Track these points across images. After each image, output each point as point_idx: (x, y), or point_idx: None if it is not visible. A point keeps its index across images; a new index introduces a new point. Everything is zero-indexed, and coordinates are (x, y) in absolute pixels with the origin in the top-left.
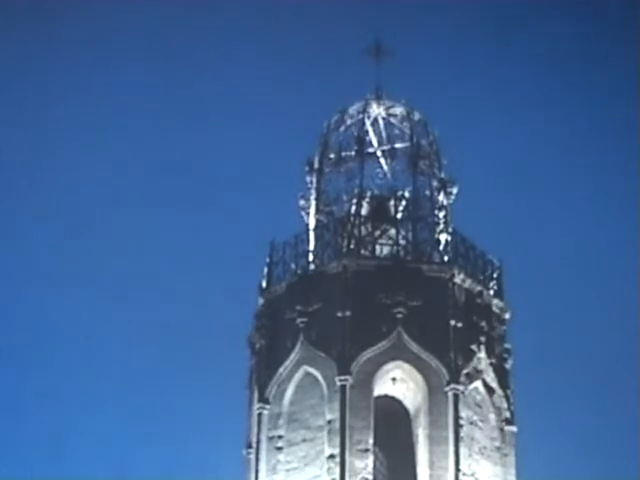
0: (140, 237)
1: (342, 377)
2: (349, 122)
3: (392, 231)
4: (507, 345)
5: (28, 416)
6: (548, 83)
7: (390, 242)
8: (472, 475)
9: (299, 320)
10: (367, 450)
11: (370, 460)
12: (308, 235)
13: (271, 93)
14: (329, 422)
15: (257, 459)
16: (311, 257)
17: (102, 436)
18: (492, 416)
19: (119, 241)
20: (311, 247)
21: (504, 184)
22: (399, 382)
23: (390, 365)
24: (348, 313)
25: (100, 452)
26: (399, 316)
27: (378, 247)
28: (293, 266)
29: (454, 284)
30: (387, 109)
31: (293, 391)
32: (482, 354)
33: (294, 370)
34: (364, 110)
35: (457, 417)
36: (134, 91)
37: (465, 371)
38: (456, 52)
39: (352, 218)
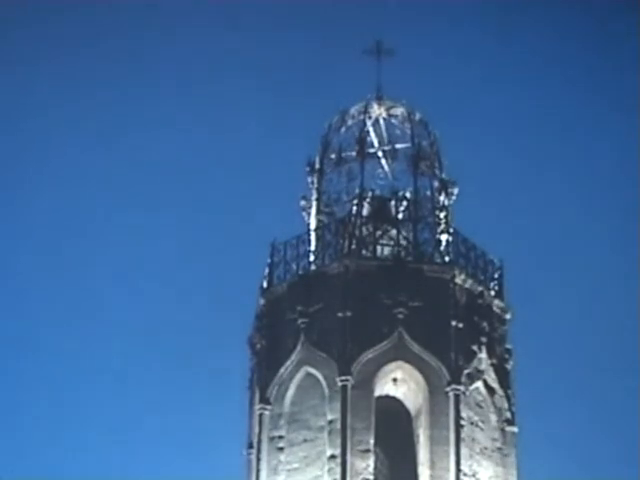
0: (140, 237)
1: (343, 377)
2: (350, 122)
3: (393, 231)
4: (508, 346)
5: (28, 417)
6: (549, 83)
7: (391, 242)
8: (473, 475)
9: (300, 320)
10: (368, 450)
11: (371, 460)
12: (309, 235)
13: (272, 93)
14: (330, 422)
15: (258, 459)
16: (312, 257)
17: (102, 436)
18: (493, 417)
19: (118, 241)
20: (312, 247)
21: (504, 184)
22: (400, 382)
23: (391, 365)
24: (349, 313)
25: (100, 452)
26: (400, 316)
27: (379, 247)
28: (294, 266)
29: (455, 284)
30: (388, 109)
31: (294, 391)
32: (483, 354)
33: (295, 370)
34: (365, 110)
35: (458, 417)
36: (133, 90)
37: (466, 371)
38: (456, 52)
39: (353, 218)
